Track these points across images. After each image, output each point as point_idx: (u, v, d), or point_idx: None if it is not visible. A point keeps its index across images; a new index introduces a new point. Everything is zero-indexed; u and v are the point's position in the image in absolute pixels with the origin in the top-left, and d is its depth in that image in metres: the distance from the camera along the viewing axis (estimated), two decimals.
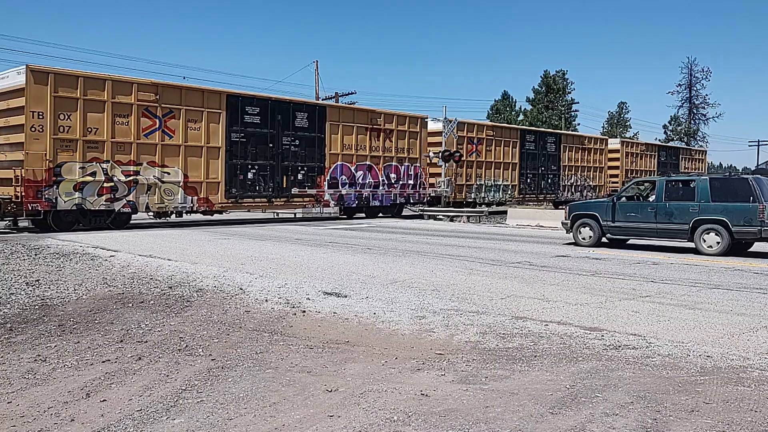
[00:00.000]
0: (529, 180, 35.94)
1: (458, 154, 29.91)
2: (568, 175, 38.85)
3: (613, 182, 42.83)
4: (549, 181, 37.67)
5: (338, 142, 25.77)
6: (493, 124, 34.34)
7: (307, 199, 24.94)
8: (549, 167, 37.65)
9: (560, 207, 36.02)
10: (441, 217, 28.06)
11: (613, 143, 44.28)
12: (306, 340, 6.27)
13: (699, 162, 53.72)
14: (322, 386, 4.85)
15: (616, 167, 43.32)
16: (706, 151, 58.89)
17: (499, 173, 33.75)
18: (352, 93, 49.68)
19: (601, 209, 15.36)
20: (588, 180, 40.35)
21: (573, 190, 39.26)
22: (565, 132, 42.32)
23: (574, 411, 4.23)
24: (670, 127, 78.42)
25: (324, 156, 25.34)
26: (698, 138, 76.60)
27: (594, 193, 40.20)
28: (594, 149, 41.05)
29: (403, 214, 29.87)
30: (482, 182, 32.71)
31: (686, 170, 49.43)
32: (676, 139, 77.17)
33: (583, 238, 15.56)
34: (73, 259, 11.48)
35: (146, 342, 6.20)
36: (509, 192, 34.35)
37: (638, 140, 51.50)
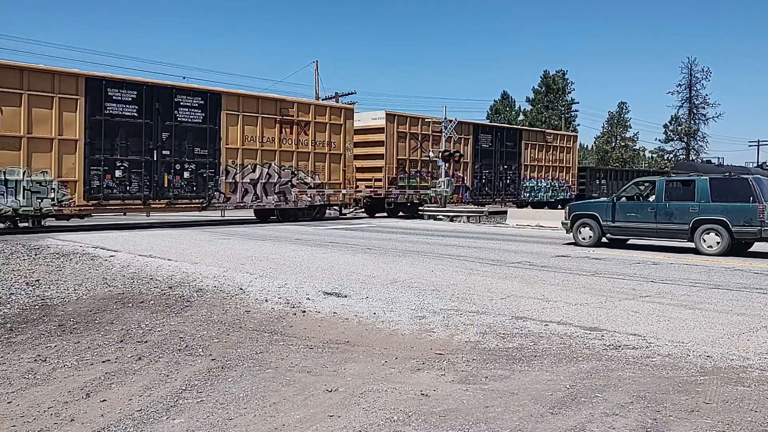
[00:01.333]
0: (121, 173, 19.40)
1: (458, 154, 29.90)
2: (234, 166, 22.01)
3: (376, 179, 27.86)
4: (195, 176, 21.07)
5: None
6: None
7: None
8: (186, 151, 20.78)
9: (267, 222, 24.06)
10: (441, 217, 28.07)
11: (373, 117, 28.15)
12: (306, 340, 6.27)
13: (562, 151, 37.04)
14: (322, 386, 4.85)
15: (380, 155, 27.53)
16: (576, 136, 39.97)
17: (14, 158, 17.32)
18: (352, 93, 49.67)
19: (601, 209, 15.37)
20: (309, 174, 24.35)
21: (257, 190, 22.74)
22: (227, 90, 22.72)
23: (574, 411, 4.23)
24: (671, 127, 78.37)
25: None
26: (698, 138, 76.55)
27: (322, 199, 24.87)
28: (325, 124, 24.95)
29: (399, 214, 29.84)
30: None
31: (535, 162, 35.35)
32: (677, 139, 77.11)
33: (583, 238, 15.56)
34: (73, 259, 11.48)
35: (146, 342, 6.20)
36: (58, 193, 18.14)
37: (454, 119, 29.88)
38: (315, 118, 24.94)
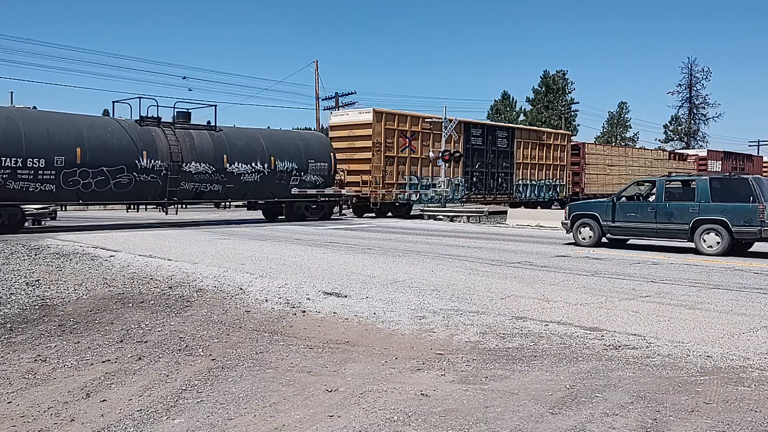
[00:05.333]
0: None
1: (458, 153, 29.87)
2: None
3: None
4: None
5: None
6: None
7: None
8: None
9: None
10: (441, 217, 28.06)
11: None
12: (306, 340, 6.27)
13: None
14: (322, 386, 4.85)
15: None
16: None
17: None
18: (352, 93, 49.59)
19: (601, 209, 15.37)
20: None
21: None
22: None
23: (574, 411, 4.23)
24: (671, 127, 78.40)
25: None
26: (698, 138, 76.62)
27: None
28: None
29: (403, 214, 29.79)
30: None
31: None
32: (677, 139, 77.17)
33: (583, 238, 15.56)
34: (73, 259, 11.47)
35: (146, 342, 6.20)
36: None
37: None
38: None
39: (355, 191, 27.26)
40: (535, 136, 36.28)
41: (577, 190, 39.23)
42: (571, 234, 15.96)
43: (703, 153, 54.65)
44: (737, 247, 13.66)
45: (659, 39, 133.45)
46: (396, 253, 13.46)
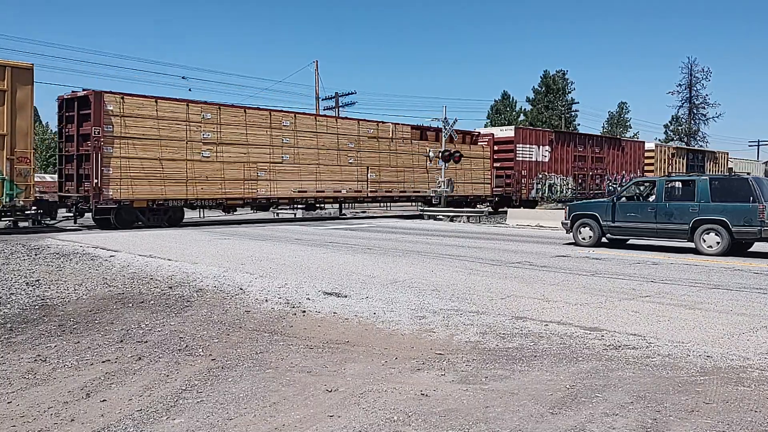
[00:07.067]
0: None
1: (458, 153, 29.90)
2: None
3: None
4: None
5: None
6: None
7: None
8: None
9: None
10: (441, 217, 28.09)
11: None
12: (306, 340, 6.27)
13: None
14: (322, 386, 4.85)
15: None
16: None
17: None
18: (352, 93, 49.58)
19: (601, 209, 15.38)
20: None
21: None
22: None
23: (574, 411, 4.23)
24: (671, 127, 78.40)
25: None
26: (698, 138, 76.63)
27: None
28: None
29: (404, 214, 29.78)
30: None
31: None
32: (677, 139, 77.20)
33: (583, 238, 15.57)
34: (73, 259, 11.47)
35: (146, 342, 6.20)
36: None
37: None
38: None
39: None
40: None
41: (86, 193, 19.85)
42: (571, 234, 15.97)
43: (507, 133, 33.60)
44: (737, 247, 13.66)
45: (659, 39, 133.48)
46: (396, 253, 13.46)
